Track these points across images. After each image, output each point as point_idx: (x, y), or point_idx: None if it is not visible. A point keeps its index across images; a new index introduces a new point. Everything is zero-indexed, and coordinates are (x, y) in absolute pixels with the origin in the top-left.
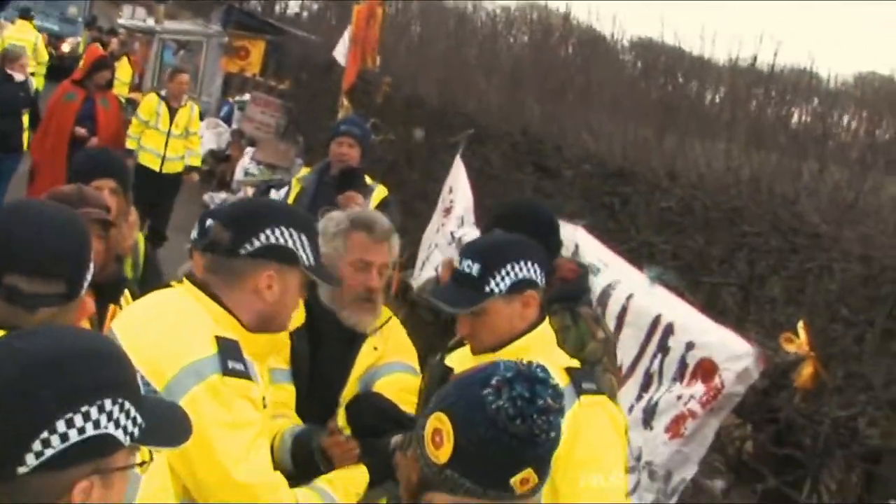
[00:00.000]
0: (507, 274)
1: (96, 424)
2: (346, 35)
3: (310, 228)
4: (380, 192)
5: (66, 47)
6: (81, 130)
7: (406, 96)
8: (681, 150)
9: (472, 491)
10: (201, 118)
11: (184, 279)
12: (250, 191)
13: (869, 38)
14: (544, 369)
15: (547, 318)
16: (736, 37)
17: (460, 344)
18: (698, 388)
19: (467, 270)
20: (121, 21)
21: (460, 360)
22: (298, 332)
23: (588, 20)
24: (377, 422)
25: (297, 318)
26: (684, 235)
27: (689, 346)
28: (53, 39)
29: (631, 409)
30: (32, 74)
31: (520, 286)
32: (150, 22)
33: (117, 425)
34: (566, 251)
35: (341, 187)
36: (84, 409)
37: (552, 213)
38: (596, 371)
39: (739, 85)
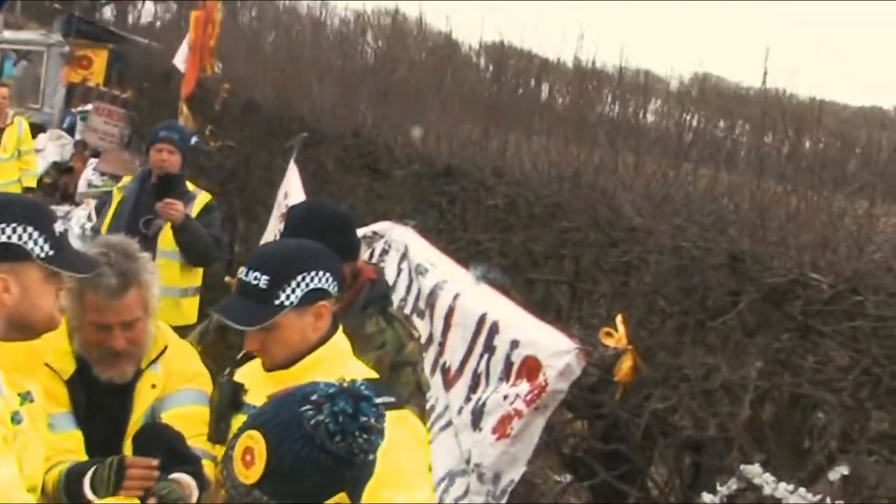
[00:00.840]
0: (298, 285)
1: None
2: (186, 42)
3: (39, 219)
4: (202, 198)
5: None
6: None
7: (243, 102)
8: (506, 147)
9: None
10: (42, 130)
11: None
12: (93, 202)
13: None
14: (368, 387)
15: (340, 328)
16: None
17: (250, 357)
18: (523, 386)
19: (255, 283)
20: None
21: (251, 376)
22: (73, 380)
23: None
24: (163, 456)
25: (69, 365)
26: (510, 233)
27: (514, 344)
28: None
29: (460, 411)
30: None
31: (311, 297)
32: None
33: None
34: (396, 252)
35: (160, 194)
36: None
37: (348, 215)
38: (405, 374)
39: (558, 80)
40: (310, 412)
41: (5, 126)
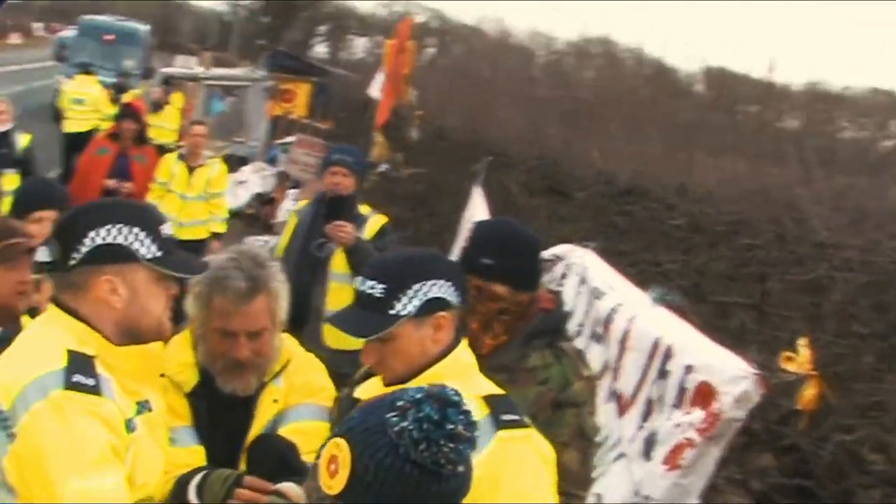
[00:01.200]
0: (416, 294)
1: None
2: (381, 71)
3: (145, 220)
4: (377, 220)
5: (128, 98)
6: (112, 182)
7: (435, 128)
8: (691, 165)
9: None
10: (244, 163)
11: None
12: None
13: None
14: (458, 393)
15: (464, 342)
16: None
17: (371, 374)
18: (697, 414)
19: (370, 291)
20: (164, 70)
21: (371, 393)
22: (196, 392)
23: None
24: (276, 468)
25: (192, 377)
26: (692, 253)
27: (688, 369)
28: (115, 93)
29: (633, 439)
30: (95, 129)
31: (430, 307)
32: (198, 69)
33: None
34: (576, 275)
35: (331, 217)
36: None
37: (534, 239)
38: (568, 415)
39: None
40: (394, 418)
41: (198, 166)
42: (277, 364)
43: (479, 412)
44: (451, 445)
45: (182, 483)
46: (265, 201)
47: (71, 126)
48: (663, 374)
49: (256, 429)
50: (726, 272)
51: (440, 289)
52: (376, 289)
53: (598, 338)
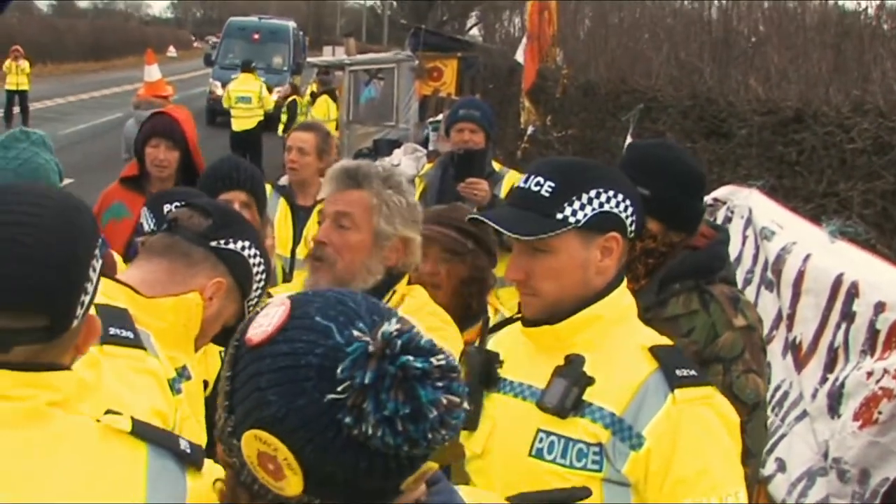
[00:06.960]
0: (590, 202)
1: None
2: (525, 35)
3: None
4: (511, 177)
5: (274, 96)
6: None
7: (581, 84)
8: (868, 74)
9: None
10: (397, 146)
11: None
12: None
13: None
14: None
15: (625, 280)
16: None
17: (508, 322)
18: (894, 359)
19: (535, 189)
20: (310, 60)
21: (508, 343)
22: None
23: None
24: None
25: None
26: (876, 177)
27: (879, 307)
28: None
29: (815, 394)
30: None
31: (603, 222)
32: (343, 57)
33: None
34: (740, 218)
35: (462, 175)
36: None
37: (699, 171)
38: (712, 373)
39: None
40: (347, 419)
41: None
42: (388, 301)
43: (645, 367)
44: (443, 432)
45: None
46: None
47: (239, 124)
48: (848, 316)
49: None
50: None
51: (618, 205)
52: (543, 186)
53: (769, 285)
